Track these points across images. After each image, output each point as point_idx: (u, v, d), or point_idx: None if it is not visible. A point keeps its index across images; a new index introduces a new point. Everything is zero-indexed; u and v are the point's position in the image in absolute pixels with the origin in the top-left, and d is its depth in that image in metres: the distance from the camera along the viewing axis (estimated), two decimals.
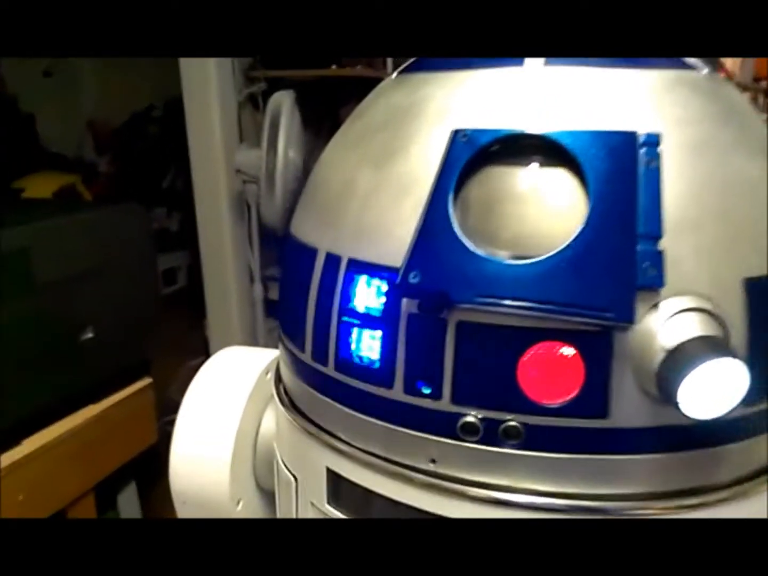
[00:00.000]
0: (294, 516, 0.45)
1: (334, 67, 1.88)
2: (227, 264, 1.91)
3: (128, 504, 1.21)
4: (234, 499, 0.53)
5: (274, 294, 1.94)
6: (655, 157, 0.33)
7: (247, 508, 0.54)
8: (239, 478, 0.53)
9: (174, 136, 2.43)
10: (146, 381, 1.10)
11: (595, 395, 0.32)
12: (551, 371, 0.32)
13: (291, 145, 1.55)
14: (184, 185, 2.68)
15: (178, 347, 1.69)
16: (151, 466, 1.07)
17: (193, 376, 0.56)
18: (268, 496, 0.56)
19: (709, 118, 0.36)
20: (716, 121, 0.36)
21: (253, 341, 1.94)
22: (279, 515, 0.50)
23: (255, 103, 1.95)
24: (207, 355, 0.58)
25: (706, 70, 0.40)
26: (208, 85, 1.83)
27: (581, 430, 0.33)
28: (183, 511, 0.55)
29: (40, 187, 2.29)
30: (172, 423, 0.55)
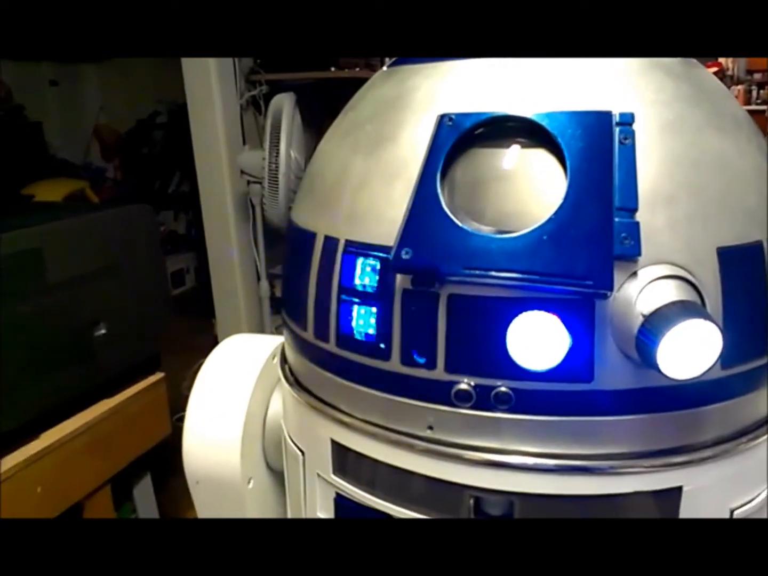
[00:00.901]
0: (302, 488, 0.48)
1: (333, 69, 1.91)
2: (234, 263, 1.94)
3: (144, 496, 1.24)
4: (245, 478, 0.55)
5: (280, 291, 1.96)
6: (629, 134, 0.35)
7: (257, 486, 0.57)
8: (249, 457, 0.55)
9: (179, 141, 2.47)
10: (159, 375, 1.12)
11: (579, 360, 0.34)
12: (538, 338, 0.35)
13: (292, 146, 1.58)
14: (189, 188, 2.71)
15: (187, 347, 1.72)
16: (165, 458, 1.09)
17: None
18: (277, 474, 0.58)
19: (681, 99, 0.38)
20: (688, 102, 0.38)
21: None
22: (288, 490, 0.53)
23: (257, 106, 1.98)
24: None
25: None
26: (210, 90, 1.86)
27: (568, 394, 0.35)
28: (196, 491, 0.57)
29: (49, 193, 2.33)
30: (183, 419, 0.57)
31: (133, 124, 3.35)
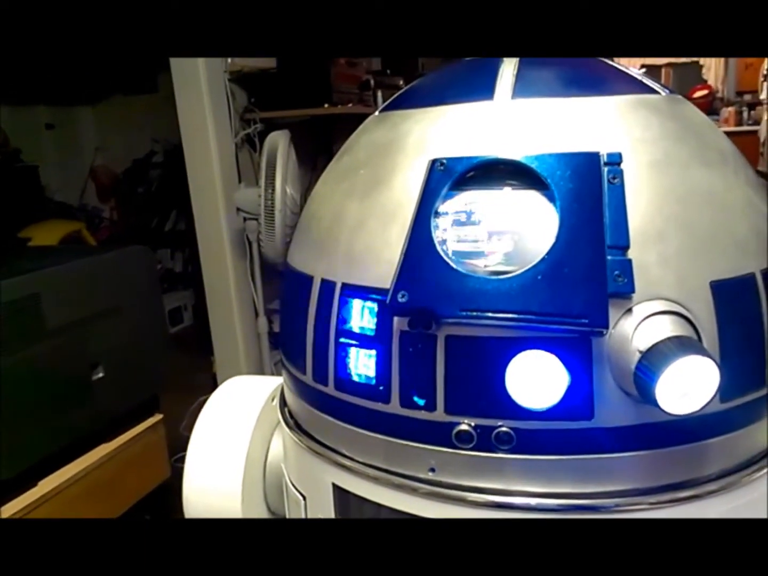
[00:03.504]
0: None
1: (326, 105, 1.94)
2: (231, 300, 1.95)
3: None
4: None
5: (278, 327, 1.96)
6: (618, 174, 0.35)
7: None
8: (250, 503, 0.55)
9: (175, 179, 2.49)
10: (157, 417, 1.12)
11: (579, 398, 0.35)
12: (536, 377, 0.35)
13: (288, 182, 1.60)
14: (186, 226, 2.73)
15: (186, 385, 1.71)
16: (164, 501, 1.08)
17: None
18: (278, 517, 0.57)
19: (667, 137, 0.39)
20: (674, 139, 0.39)
21: (260, 374, 1.94)
22: None
23: (252, 143, 2.01)
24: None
25: (665, 92, 0.43)
26: (205, 128, 1.89)
27: (568, 432, 0.35)
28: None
29: (46, 235, 2.35)
30: (183, 460, 0.57)
31: (129, 165, 3.39)
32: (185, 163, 1.94)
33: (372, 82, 2.21)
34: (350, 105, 2.03)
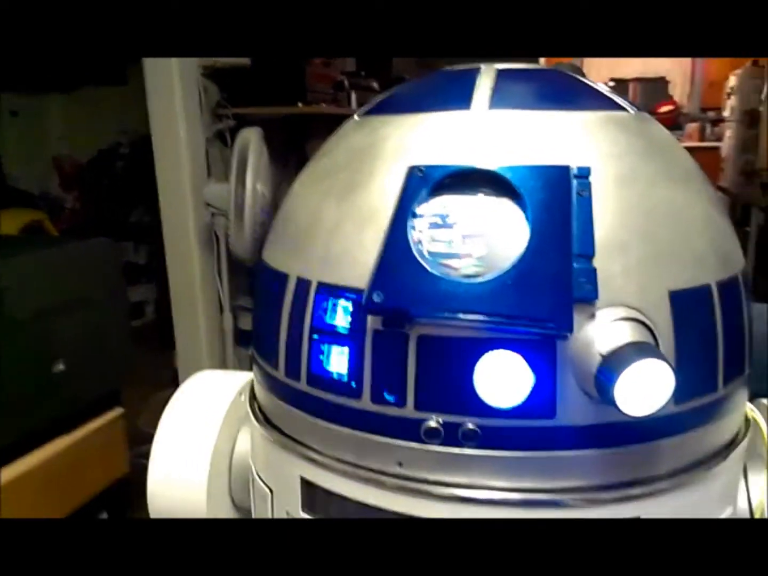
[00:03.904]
0: None
1: (300, 104, 1.94)
2: (196, 295, 1.93)
3: None
4: (211, 518, 0.55)
5: (243, 323, 1.96)
6: (586, 187, 0.37)
7: None
8: (216, 497, 0.55)
9: (140, 172, 2.45)
10: (117, 411, 1.10)
11: (542, 397, 0.36)
12: (503, 377, 0.36)
13: (259, 179, 1.59)
14: (151, 219, 2.68)
15: (147, 380, 1.69)
16: (122, 496, 1.06)
17: (163, 408, 0.57)
18: (244, 513, 0.58)
19: (634, 153, 0.41)
20: (641, 155, 0.41)
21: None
22: None
23: (223, 139, 1.99)
24: (176, 386, 0.60)
25: (633, 111, 0.45)
26: (175, 122, 1.87)
27: (532, 430, 0.37)
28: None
29: (6, 224, 2.28)
30: (141, 454, 0.56)
31: (95, 155, 3.32)
32: (153, 155, 1.92)
33: (346, 83, 2.22)
34: (324, 105, 2.03)
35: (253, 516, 0.52)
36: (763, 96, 3.59)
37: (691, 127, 5.41)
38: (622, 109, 0.44)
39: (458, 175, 0.38)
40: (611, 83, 6.17)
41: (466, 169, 0.38)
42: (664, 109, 5.82)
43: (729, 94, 4.42)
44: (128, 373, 1.25)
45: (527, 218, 0.36)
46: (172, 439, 0.55)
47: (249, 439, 0.54)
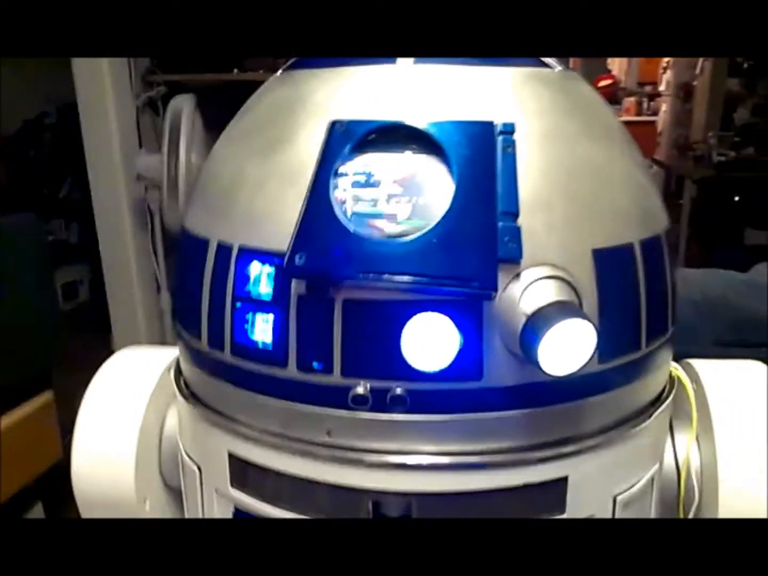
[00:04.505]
0: (200, 504, 0.46)
1: (236, 71, 1.87)
2: (131, 274, 1.85)
3: None
4: (141, 499, 0.53)
5: None
6: (510, 144, 0.37)
7: (154, 506, 0.54)
8: (145, 476, 0.53)
9: (69, 143, 2.32)
10: (48, 395, 1.05)
11: (469, 359, 0.36)
12: (430, 340, 0.35)
13: (193, 149, 1.53)
14: (82, 194, 2.56)
15: (82, 364, 1.62)
16: (57, 484, 1.02)
17: None
18: (175, 492, 0.56)
19: (558, 110, 0.40)
20: (565, 113, 0.41)
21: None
22: (186, 508, 0.51)
23: (155, 107, 1.90)
24: None
25: (559, 68, 0.44)
26: (103, 89, 1.77)
27: (459, 392, 0.36)
28: (90, 516, 0.54)
29: None
30: None
31: (20, 125, 3.12)
32: (81, 126, 1.82)
33: None
34: (261, 72, 1.96)
35: (184, 495, 0.51)
36: (697, 71, 3.71)
37: (629, 101, 5.55)
38: (548, 66, 0.43)
39: (382, 130, 0.37)
40: None
41: (390, 124, 0.37)
42: (603, 83, 5.94)
43: (665, 69, 4.54)
44: (59, 355, 1.20)
45: (452, 176, 0.35)
46: (95, 420, 0.53)
47: (178, 416, 0.52)
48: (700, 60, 3.62)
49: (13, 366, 1.01)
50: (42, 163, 3.06)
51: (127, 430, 0.52)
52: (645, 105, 5.43)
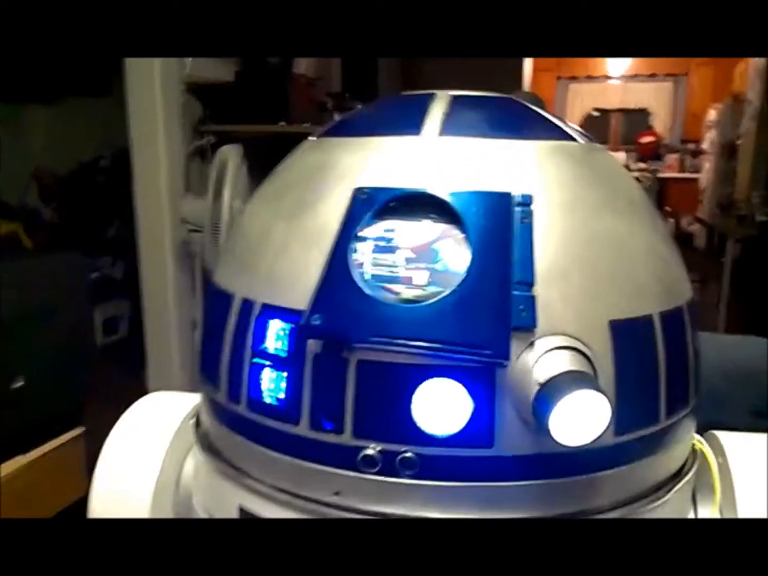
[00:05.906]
0: None
1: (282, 123, 1.95)
2: (170, 312, 1.90)
3: None
4: None
5: None
6: (527, 214, 0.37)
7: None
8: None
9: (121, 185, 2.43)
10: (78, 430, 1.07)
11: (481, 425, 0.36)
12: (442, 404, 0.36)
13: (237, 196, 1.59)
14: (129, 234, 2.66)
15: (115, 398, 1.66)
16: (80, 517, 1.03)
17: None
18: None
19: (579, 182, 0.41)
20: (586, 185, 0.41)
21: (194, 391, 1.90)
22: None
23: (203, 155, 1.99)
24: None
25: (583, 141, 0.45)
26: (155, 137, 1.86)
27: (470, 459, 0.36)
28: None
29: None
30: None
31: (76, 167, 3.29)
32: (132, 170, 1.91)
33: (330, 103, 2.23)
34: (306, 125, 2.04)
35: None
36: (741, 130, 3.68)
37: (671, 158, 5.54)
38: (572, 138, 0.44)
39: (403, 199, 0.38)
40: (595, 113, 6.32)
41: (410, 193, 0.38)
42: (645, 139, 5.95)
43: (709, 127, 4.53)
44: (92, 391, 1.23)
45: (469, 244, 0.36)
46: (115, 465, 0.54)
47: (194, 465, 0.52)
48: (745, 119, 3.59)
49: (45, 401, 1.04)
50: (93, 203, 3.20)
51: (145, 475, 0.52)
52: (687, 162, 5.40)
